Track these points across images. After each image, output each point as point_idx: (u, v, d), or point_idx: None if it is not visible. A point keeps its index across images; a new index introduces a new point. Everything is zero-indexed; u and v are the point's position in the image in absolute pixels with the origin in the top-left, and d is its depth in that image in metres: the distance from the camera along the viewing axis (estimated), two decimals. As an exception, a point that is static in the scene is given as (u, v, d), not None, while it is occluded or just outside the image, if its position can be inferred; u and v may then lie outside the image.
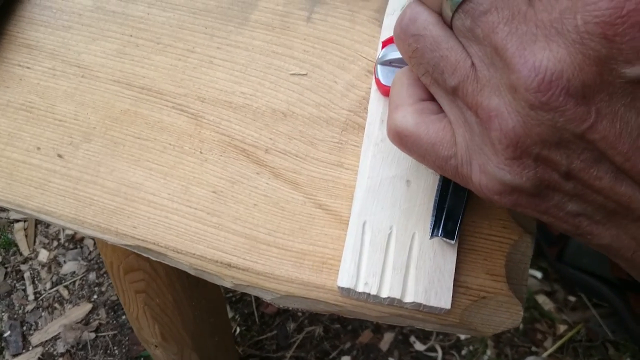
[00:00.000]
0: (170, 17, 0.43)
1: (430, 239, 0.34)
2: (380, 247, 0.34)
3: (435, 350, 1.35)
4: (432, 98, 0.29)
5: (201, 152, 0.38)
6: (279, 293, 0.35)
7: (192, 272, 0.37)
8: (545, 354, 1.34)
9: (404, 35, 0.27)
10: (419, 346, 1.35)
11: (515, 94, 0.23)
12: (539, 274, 1.41)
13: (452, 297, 0.34)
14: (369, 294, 0.33)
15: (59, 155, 0.39)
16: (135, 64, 0.41)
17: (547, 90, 0.22)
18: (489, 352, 1.34)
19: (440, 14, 0.26)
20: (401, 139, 0.29)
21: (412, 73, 0.30)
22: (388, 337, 1.36)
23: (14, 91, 0.41)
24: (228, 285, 0.36)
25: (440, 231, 0.33)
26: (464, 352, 1.35)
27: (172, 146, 0.39)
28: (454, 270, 0.34)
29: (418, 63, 0.27)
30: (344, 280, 0.33)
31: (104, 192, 0.37)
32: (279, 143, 0.38)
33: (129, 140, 0.39)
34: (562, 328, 1.37)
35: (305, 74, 0.40)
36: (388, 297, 0.33)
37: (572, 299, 1.39)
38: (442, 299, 0.33)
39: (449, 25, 0.26)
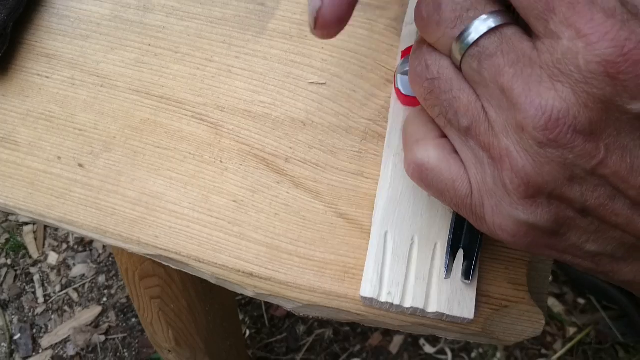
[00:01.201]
0: (188, 26, 0.43)
1: (445, 279, 0.34)
2: (402, 257, 0.34)
3: (445, 353, 1.35)
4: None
5: (221, 162, 0.38)
6: (301, 302, 0.35)
7: (213, 282, 0.37)
8: (555, 357, 1.34)
9: (419, 79, 0.28)
10: (428, 349, 1.35)
11: (523, 134, 0.23)
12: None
13: (475, 307, 0.34)
14: (391, 304, 0.33)
15: (80, 165, 0.39)
16: (154, 73, 0.41)
17: (554, 127, 0.23)
18: (498, 354, 1.34)
19: (449, 57, 0.27)
20: (422, 173, 0.29)
21: (425, 112, 0.30)
22: (398, 340, 1.36)
23: (34, 100, 0.41)
24: (250, 294, 0.36)
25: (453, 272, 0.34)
26: (473, 354, 1.35)
27: (192, 155, 0.39)
28: (476, 280, 0.34)
29: (433, 105, 0.28)
30: (367, 290, 0.33)
31: (126, 201, 0.38)
32: (298, 152, 0.38)
33: (149, 150, 0.39)
34: (571, 330, 1.37)
35: (324, 83, 0.40)
36: (411, 307, 0.33)
37: (581, 301, 1.39)
38: (465, 308, 0.33)
39: (459, 69, 0.27)
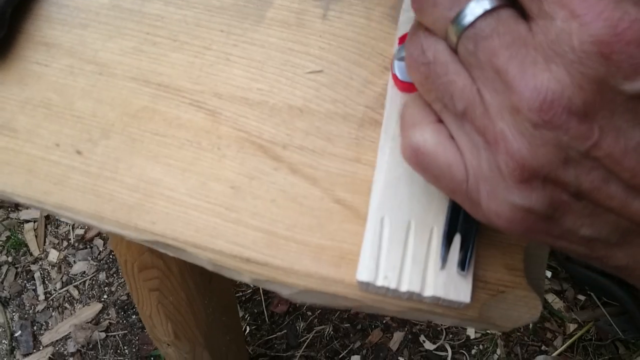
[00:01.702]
0: (186, 14, 0.43)
1: (440, 269, 0.34)
2: (399, 241, 0.34)
3: (445, 350, 1.35)
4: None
5: (219, 149, 0.38)
6: (297, 288, 0.35)
7: (210, 268, 0.37)
8: (555, 353, 1.34)
9: (415, 64, 0.28)
10: (428, 345, 1.35)
11: (518, 116, 0.23)
12: (548, 273, 1.41)
13: (471, 291, 0.34)
14: (388, 288, 0.33)
15: (78, 152, 0.39)
16: (153, 62, 0.41)
17: (549, 109, 0.23)
18: (498, 351, 1.34)
19: (445, 40, 0.27)
20: (418, 157, 0.29)
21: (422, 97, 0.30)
22: (398, 337, 1.36)
23: (33, 89, 0.41)
24: (247, 280, 0.36)
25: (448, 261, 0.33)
26: (473, 351, 1.35)
27: (190, 142, 0.39)
28: (473, 264, 0.34)
29: (429, 90, 0.28)
30: (364, 274, 0.33)
31: (123, 187, 0.38)
32: (296, 139, 0.39)
33: (147, 137, 0.39)
34: (572, 327, 1.37)
35: (321, 71, 0.40)
36: (407, 291, 0.33)
37: (581, 297, 1.39)
38: (462, 292, 0.33)
39: (454, 51, 0.27)
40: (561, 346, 1.35)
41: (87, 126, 0.40)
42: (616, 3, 0.21)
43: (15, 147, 0.39)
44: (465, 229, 0.34)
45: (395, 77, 0.37)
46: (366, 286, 0.34)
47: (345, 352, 1.34)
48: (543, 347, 1.35)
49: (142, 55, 0.42)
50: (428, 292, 0.33)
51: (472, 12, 0.25)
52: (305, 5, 0.43)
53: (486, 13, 0.25)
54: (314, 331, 1.37)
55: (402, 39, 0.38)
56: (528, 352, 1.35)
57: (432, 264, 0.33)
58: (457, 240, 0.34)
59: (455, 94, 0.26)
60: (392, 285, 0.33)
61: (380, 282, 0.33)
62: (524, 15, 0.25)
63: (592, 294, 1.38)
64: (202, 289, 0.64)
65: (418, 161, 0.29)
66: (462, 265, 0.33)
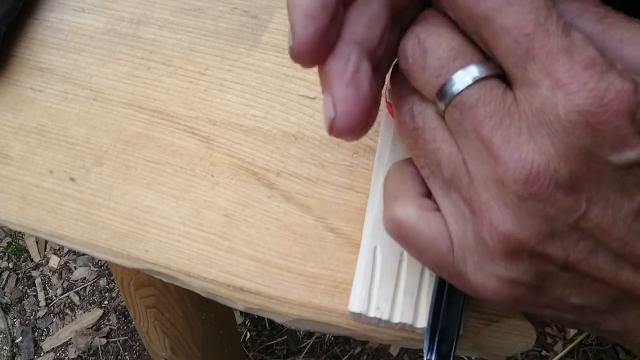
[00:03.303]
0: (181, 39, 0.43)
1: None
2: (391, 272, 0.34)
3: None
4: (429, 195, 0.29)
5: (212, 176, 0.38)
6: (291, 317, 0.35)
7: (204, 295, 0.37)
8: (555, 358, 1.34)
9: (406, 130, 0.27)
10: (428, 352, 1.35)
11: (503, 187, 0.23)
12: (549, 278, 1.40)
13: (465, 321, 0.34)
14: (380, 319, 0.33)
15: (72, 179, 0.39)
16: (147, 87, 0.41)
17: (535, 181, 0.22)
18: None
19: (434, 105, 0.26)
20: (400, 231, 0.28)
21: (409, 167, 0.30)
22: (398, 343, 1.36)
23: (27, 114, 0.41)
24: (240, 308, 0.36)
25: (434, 355, 0.32)
26: (474, 357, 1.35)
27: (184, 169, 0.39)
28: (464, 296, 0.34)
29: (418, 155, 0.27)
30: (355, 305, 0.33)
31: (116, 215, 0.38)
32: (290, 166, 0.39)
33: (140, 164, 0.39)
34: (572, 332, 1.37)
35: (314, 98, 0.40)
36: (399, 323, 0.33)
37: (582, 303, 1.39)
38: (454, 325, 0.33)
39: (442, 117, 0.26)
40: (562, 351, 1.34)
41: (80, 152, 0.40)
42: (601, 74, 0.21)
43: (9, 174, 0.39)
44: (448, 320, 0.33)
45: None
46: (358, 317, 0.34)
47: (345, 357, 1.34)
48: (544, 352, 1.35)
49: (136, 81, 0.42)
50: (420, 324, 0.33)
51: (460, 80, 0.24)
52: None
53: (474, 82, 0.24)
54: (315, 337, 1.37)
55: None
56: (529, 357, 1.35)
57: (424, 294, 0.33)
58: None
59: (442, 161, 0.26)
60: (384, 317, 0.33)
61: (372, 314, 0.33)
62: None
63: (592, 299, 1.38)
64: (199, 305, 0.64)
65: (400, 235, 0.28)
66: (446, 358, 0.32)
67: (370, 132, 0.39)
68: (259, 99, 0.41)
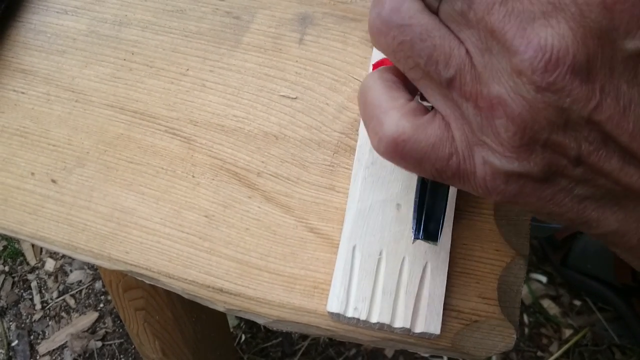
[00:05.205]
0: (163, 40, 0.43)
1: (412, 242, 0.33)
2: (370, 271, 0.34)
3: (440, 357, 1.35)
4: (412, 98, 0.27)
5: (193, 176, 0.38)
6: (271, 318, 0.35)
7: (185, 296, 0.37)
8: (551, 359, 1.34)
9: (386, 28, 0.25)
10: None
11: (520, 78, 0.22)
12: (544, 279, 1.40)
13: (444, 321, 0.34)
14: (358, 319, 0.33)
15: (53, 181, 0.39)
16: (129, 88, 0.41)
17: (554, 69, 0.21)
18: (494, 357, 1.34)
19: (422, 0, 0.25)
20: (397, 147, 0.26)
21: (386, 74, 0.28)
22: (393, 344, 1.36)
23: (9, 116, 0.41)
24: (220, 309, 0.36)
25: (421, 233, 0.32)
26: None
27: (165, 170, 0.39)
28: (443, 295, 0.34)
29: (406, 57, 0.25)
30: (334, 305, 0.33)
31: (97, 217, 0.38)
32: (270, 166, 0.39)
33: (122, 165, 0.39)
34: (567, 332, 1.36)
35: (295, 98, 0.40)
36: (377, 322, 0.33)
37: (577, 303, 1.39)
38: (432, 324, 0.33)
39: (434, 12, 0.24)
40: (557, 351, 1.34)
41: (62, 154, 0.40)
42: None
43: (-9, 176, 0.39)
44: (434, 200, 0.33)
45: (374, 65, 0.36)
46: (337, 317, 0.34)
47: (340, 359, 1.34)
48: (539, 353, 1.35)
49: (118, 82, 0.42)
50: (398, 324, 0.33)
51: None
52: (281, 30, 0.43)
53: None
54: (310, 339, 1.37)
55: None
56: (524, 357, 1.35)
57: (402, 294, 0.33)
58: (428, 272, 0.34)
59: (441, 59, 0.24)
60: (363, 317, 0.33)
61: (350, 314, 0.33)
62: None
63: (587, 299, 1.38)
64: (189, 307, 0.64)
65: (398, 150, 0.26)
66: (434, 237, 0.32)
67: (351, 131, 0.39)
68: (240, 100, 0.41)
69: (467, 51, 0.24)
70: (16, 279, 1.49)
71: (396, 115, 0.26)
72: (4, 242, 1.51)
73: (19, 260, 1.50)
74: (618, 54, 0.21)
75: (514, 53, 0.22)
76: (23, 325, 1.44)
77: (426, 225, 0.32)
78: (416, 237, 0.32)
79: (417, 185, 0.33)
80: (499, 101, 0.23)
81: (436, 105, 0.26)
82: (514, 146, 0.23)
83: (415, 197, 0.33)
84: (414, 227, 0.32)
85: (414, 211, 0.33)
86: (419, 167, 0.26)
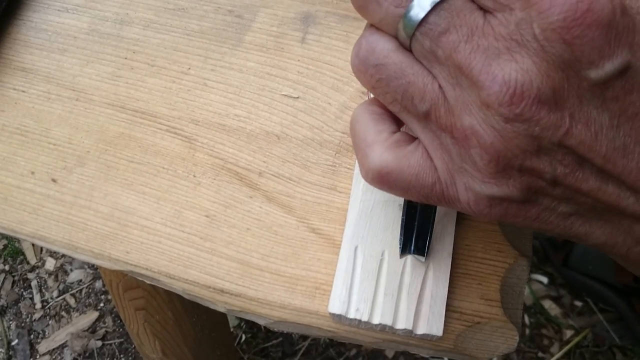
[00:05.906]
0: (165, 39, 0.43)
1: (400, 258, 0.33)
2: (372, 272, 0.34)
3: (441, 357, 1.34)
4: (398, 128, 0.29)
5: (194, 176, 0.38)
6: (272, 319, 0.35)
7: (185, 297, 0.37)
8: (552, 360, 1.34)
9: (363, 67, 0.27)
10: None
11: (489, 110, 0.23)
12: (545, 279, 1.40)
13: (446, 322, 0.34)
14: (360, 321, 0.33)
15: (53, 180, 0.39)
16: (130, 87, 0.41)
17: (519, 102, 0.22)
18: (495, 358, 1.34)
19: (396, 39, 0.26)
20: (383, 178, 0.28)
21: (372, 107, 0.29)
22: (394, 345, 1.35)
23: (9, 115, 0.41)
24: (221, 310, 0.36)
25: (412, 248, 0.33)
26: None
27: (166, 170, 0.39)
28: (446, 296, 0.33)
29: (384, 92, 0.27)
30: (335, 306, 0.33)
31: (98, 216, 0.38)
32: (272, 166, 0.38)
33: (122, 164, 0.39)
34: (568, 333, 1.36)
35: (297, 97, 0.40)
36: (379, 324, 0.33)
37: (578, 303, 1.39)
38: (434, 325, 0.33)
39: (408, 49, 0.26)
40: (558, 352, 1.34)
41: (62, 153, 0.39)
42: None
43: (-9, 175, 0.39)
44: (423, 218, 0.33)
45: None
46: (338, 318, 0.34)
47: (341, 359, 1.34)
48: (540, 354, 1.35)
49: (119, 81, 0.41)
50: (400, 325, 0.33)
51: (420, 5, 0.24)
52: (284, 29, 0.42)
53: (437, 5, 0.24)
54: (310, 338, 1.36)
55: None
56: (525, 358, 1.35)
57: (404, 295, 0.33)
58: (430, 271, 0.34)
59: (416, 95, 0.25)
60: (364, 318, 0.33)
61: (352, 315, 0.33)
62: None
63: (588, 300, 1.37)
64: (190, 307, 0.64)
65: (384, 181, 0.28)
66: (422, 251, 0.33)
67: (353, 132, 0.39)
68: (242, 99, 0.40)
69: (440, 86, 0.25)
70: (16, 278, 1.49)
71: (379, 148, 0.28)
72: (4, 241, 1.51)
73: (19, 259, 1.50)
74: (584, 83, 0.22)
75: (480, 87, 0.23)
76: (23, 324, 1.44)
77: (416, 241, 0.33)
78: (405, 253, 0.33)
79: (403, 205, 0.34)
80: (472, 132, 0.24)
81: (418, 135, 0.27)
82: (491, 173, 0.24)
83: (403, 215, 0.33)
84: (401, 243, 0.33)
85: (401, 228, 0.33)
86: (407, 194, 0.28)
